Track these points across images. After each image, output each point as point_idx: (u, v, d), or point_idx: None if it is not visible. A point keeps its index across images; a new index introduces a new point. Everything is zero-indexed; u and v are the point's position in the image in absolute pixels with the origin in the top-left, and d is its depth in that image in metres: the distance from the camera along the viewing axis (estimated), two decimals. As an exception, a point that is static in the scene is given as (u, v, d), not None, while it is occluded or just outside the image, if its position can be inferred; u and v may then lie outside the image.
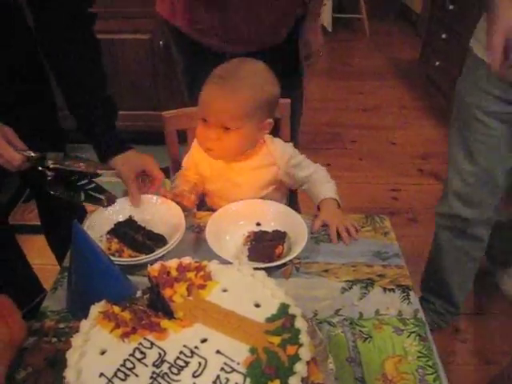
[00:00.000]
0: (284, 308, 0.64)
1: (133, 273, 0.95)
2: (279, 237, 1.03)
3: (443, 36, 3.24)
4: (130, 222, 1.07)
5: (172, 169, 1.47)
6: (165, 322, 0.63)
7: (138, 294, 0.75)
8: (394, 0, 5.50)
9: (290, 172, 1.19)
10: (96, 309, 0.66)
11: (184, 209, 1.11)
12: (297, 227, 1.05)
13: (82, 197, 1.03)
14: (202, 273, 0.70)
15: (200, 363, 0.58)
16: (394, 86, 3.72)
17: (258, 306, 0.65)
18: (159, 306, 0.67)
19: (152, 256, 0.96)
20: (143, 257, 0.96)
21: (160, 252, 0.97)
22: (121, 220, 1.08)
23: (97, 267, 0.84)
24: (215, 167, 1.19)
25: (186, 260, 0.73)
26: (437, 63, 3.34)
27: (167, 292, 0.67)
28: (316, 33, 1.56)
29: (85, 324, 0.65)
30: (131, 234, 1.02)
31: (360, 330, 0.87)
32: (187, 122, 1.38)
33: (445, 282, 1.59)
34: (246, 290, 0.68)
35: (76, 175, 1.00)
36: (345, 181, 2.43)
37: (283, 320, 0.62)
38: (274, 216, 1.11)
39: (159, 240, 1.02)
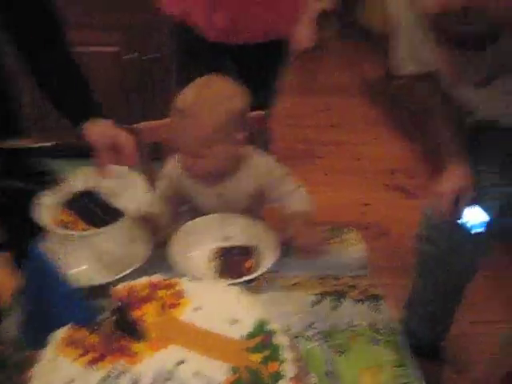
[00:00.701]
0: (261, 324, 0.62)
1: (97, 295, 0.89)
2: (247, 251, 1.01)
3: (408, 52, 3.34)
4: (90, 194, 0.98)
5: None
6: (136, 346, 0.59)
7: (105, 315, 0.70)
8: (359, 20, 5.72)
9: (265, 185, 1.16)
10: (58, 335, 0.61)
11: (153, 232, 1.06)
12: (266, 240, 1.04)
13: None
14: (172, 290, 0.66)
15: (177, 387, 0.54)
16: (361, 103, 3.79)
17: (234, 322, 0.63)
18: (127, 329, 0.63)
19: (116, 277, 0.90)
20: (107, 276, 0.90)
21: (125, 272, 0.91)
22: (80, 190, 0.99)
23: (55, 289, 0.78)
24: (196, 185, 1.16)
25: (156, 278, 0.69)
26: (401, 81, 3.43)
27: (136, 312, 0.63)
28: (303, 33, 1.58)
29: (46, 353, 0.59)
30: (89, 205, 0.95)
31: (335, 343, 0.85)
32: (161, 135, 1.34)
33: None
34: (221, 306, 0.65)
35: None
36: (313, 196, 2.45)
37: (262, 336, 0.60)
38: (242, 229, 1.08)
39: (117, 215, 0.94)
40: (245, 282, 0.94)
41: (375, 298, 0.96)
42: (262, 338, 0.59)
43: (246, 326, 0.62)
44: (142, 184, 1.02)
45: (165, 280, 0.69)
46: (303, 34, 1.56)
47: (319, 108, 3.68)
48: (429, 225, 1.42)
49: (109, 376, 0.56)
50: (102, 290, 0.89)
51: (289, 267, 1.03)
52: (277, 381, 0.54)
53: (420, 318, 1.53)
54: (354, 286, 0.99)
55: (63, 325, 0.66)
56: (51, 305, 0.77)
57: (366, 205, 2.57)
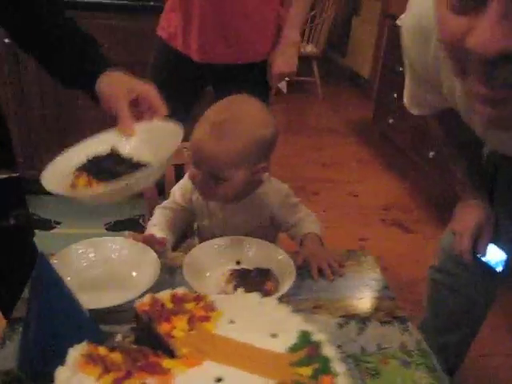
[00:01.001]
0: (305, 336, 0.56)
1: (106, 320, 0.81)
2: (263, 274, 0.95)
3: (394, 95, 3.46)
4: (112, 156, 0.84)
5: (148, 211, 1.37)
6: (168, 362, 0.52)
7: (118, 337, 0.63)
8: (344, 67, 5.94)
9: (281, 212, 1.14)
10: (76, 351, 0.54)
11: (156, 251, 1.00)
12: (281, 264, 0.98)
13: None
14: (202, 303, 0.60)
15: (219, 407, 0.47)
16: (350, 143, 3.90)
17: (274, 336, 0.56)
18: (155, 344, 0.56)
19: (122, 301, 0.82)
20: (115, 301, 0.82)
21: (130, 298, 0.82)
22: (97, 154, 0.84)
23: (66, 312, 0.70)
24: (209, 204, 1.13)
25: (180, 291, 0.63)
26: (390, 121, 3.54)
27: (164, 327, 0.56)
28: (280, 56, 1.52)
29: (62, 372, 0.52)
30: (112, 167, 0.80)
31: (366, 367, 0.79)
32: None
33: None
34: (256, 319, 0.59)
35: None
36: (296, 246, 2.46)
37: (308, 349, 0.53)
38: (256, 253, 1.02)
39: (141, 165, 0.80)
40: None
41: (402, 319, 0.91)
42: (308, 351, 0.53)
43: (289, 338, 0.55)
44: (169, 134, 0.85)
45: (191, 292, 0.62)
46: (281, 59, 1.52)
47: (310, 147, 3.74)
48: (446, 257, 1.38)
49: (137, 397, 0.49)
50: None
51: (307, 290, 0.97)
52: (334, 395, 0.48)
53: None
54: (378, 308, 0.93)
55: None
56: (60, 327, 0.69)
57: (364, 240, 2.55)
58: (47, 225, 2.53)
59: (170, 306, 0.59)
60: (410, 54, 0.98)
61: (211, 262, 0.98)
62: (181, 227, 1.18)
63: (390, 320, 0.90)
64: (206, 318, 0.57)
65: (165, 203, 1.19)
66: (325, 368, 0.50)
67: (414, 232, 2.65)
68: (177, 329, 0.56)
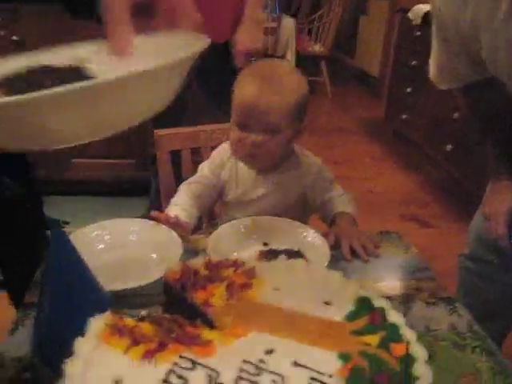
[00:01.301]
0: (364, 302, 0.48)
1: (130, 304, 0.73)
2: (293, 255, 0.87)
3: (408, 90, 3.38)
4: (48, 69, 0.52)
5: (164, 197, 1.30)
6: (208, 333, 0.44)
7: (143, 313, 0.55)
8: (353, 67, 5.90)
9: (315, 186, 1.09)
10: (99, 321, 0.46)
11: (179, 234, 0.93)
12: (313, 245, 0.90)
13: None
14: (241, 269, 0.52)
15: (275, 381, 0.39)
16: (362, 141, 3.82)
17: (328, 303, 0.48)
18: (192, 313, 0.48)
19: (147, 281, 0.74)
20: (138, 282, 0.74)
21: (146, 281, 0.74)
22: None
23: (84, 293, 0.63)
24: (240, 172, 1.09)
25: (214, 258, 0.55)
26: (403, 117, 3.46)
27: (199, 296, 0.48)
28: (243, 33, 1.53)
29: (83, 343, 0.44)
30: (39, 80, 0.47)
31: (416, 350, 0.71)
32: (180, 143, 1.29)
33: None
34: (305, 286, 0.51)
35: None
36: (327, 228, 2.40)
37: (370, 316, 0.46)
38: (285, 234, 0.95)
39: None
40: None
41: (448, 300, 0.82)
42: (370, 318, 0.45)
43: (345, 305, 0.47)
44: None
45: (227, 260, 0.55)
46: (245, 36, 1.52)
47: (321, 146, 3.66)
48: (478, 243, 1.30)
49: (173, 372, 0.41)
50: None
51: (346, 271, 0.88)
52: (411, 365, 0.40)
53: None
54: (421, 289, 0.85)
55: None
56: (76, 306, 0.62)
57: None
58: (55, 225, 2.47)
59: (204, 272, 0.52)
60: (445, 20, 0.93)
61: (237, 244, 0.90)
62: (205, 205, 1.10)
63: (435, 301, 0.82)
64: (248, 285, 0.50)
65: (190, 179, 1.13)
66: (394, 335, 0.43)
67: (432, 226, 2.56)
68: (215, 297, 0.48)
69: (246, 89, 0.97)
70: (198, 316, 0.47)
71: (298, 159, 1.10)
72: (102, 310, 0.64)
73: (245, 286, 0.50)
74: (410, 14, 3.32)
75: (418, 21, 3.22)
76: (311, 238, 0.92)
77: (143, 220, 0.93)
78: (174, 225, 0.92)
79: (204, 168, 1.13)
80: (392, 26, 4.43)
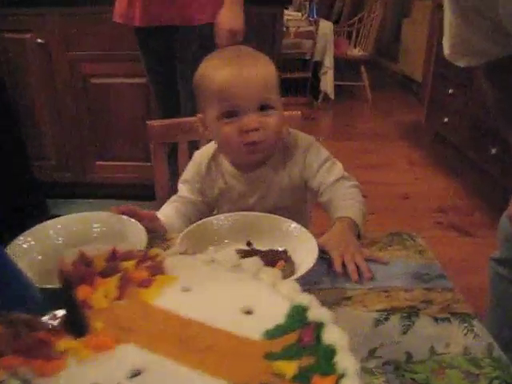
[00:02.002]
0: (298, 312, 0.33)
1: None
2: (276, 255, 0.73)
3: (450, 91, 3.17)
4: None
5: (158, 193, 1.21)
6: (64, 342, 0.32)
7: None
8: (396, 72, 5.71)
9: (306, 166, 0.94)
10: None
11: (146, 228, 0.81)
12: (303, 245, 0.75)
13: None
14: (148, 263, 0.39)
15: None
16: (401, 146, 3.63)
17: (248, 312, 0.34)
18: (70, 317, 0.35)
19: None
20: None
21: None
22: None
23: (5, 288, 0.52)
24: (229, 183, 0.97)
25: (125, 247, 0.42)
26: (445, 119, 3.25)
27: (82, 292, 0.36)
28: (224, 16, 1.57)
29: None
30: None
31: (412, 379, 0.55)
32: (177, 135, 1.19)
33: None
34: (226, 287, 0.37)
35: None
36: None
37: (298, 332, 0.31)
38: (272, 233, 0.81)
39: None
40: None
41: (464, 316, 0.66)
42: (298, 335, 0.31)
43: (271, 315, 0.33)
44: None
45: (138, 251, 0.42)
46: (228, 16, 1.57)
47: (358, 151, 3.50)
48: (508, 246, 1.14)
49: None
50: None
51: (335, 278, 0.74)
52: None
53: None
54: (431, 301, 0.69)
55: None
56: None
57: (418, 244, 2.26)
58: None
59: (100, 264, 0.39)
60: None
61: (213, 242, 0.77)
62: (191, 220, 0.96)
63: (447, 317, 0.65)
64: (147, 283, 0.37)
65: (174, 197, 1.00)
66: (323, 364, 0.28)
67: (474, 236, 2.33)
68: (98, 295, 0.35)
69: (223, 71, 0.84)
70: (76, 319, 0.35)
71: (288, 145, 0.96)
72: (28, 308, 0.53)
73: (143, 283, 0.36)
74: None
75: (461, 16, 2.99)
76: (302, 238, 0.77)
77: (108, 214, 0.82)
78: (136, 215, 0.81)
79: (182, 188, 1.00)
80: (434, 26, 4.20)
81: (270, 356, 0.29)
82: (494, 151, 2.59)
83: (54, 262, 0.58)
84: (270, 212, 0.92)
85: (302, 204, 1.01)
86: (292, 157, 0.95)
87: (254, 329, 0.32)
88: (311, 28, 4.56)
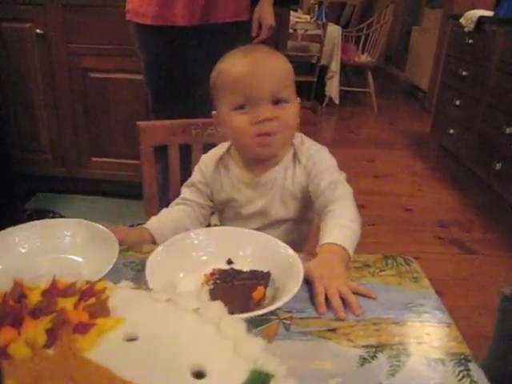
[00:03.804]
0: (259, 381, 0.28)
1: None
2: (260, 276, 0.67)
3: (457, 103, 3.12)
4: None
5: (145, 197, 1.16)
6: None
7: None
8: (403, 80, 5.65)
9: (309, 173, 0.91)
10: None
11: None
12: (288, 268, 0.69)
13: None
14: (91, 300, 0.33)
15: None
16: (405, 155, 3.57)
17: (200, 375, 0.28)
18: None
19: None
20: None
21: None
22: None
23: None
24: (236, 185, 0.95)
25: (76, 279, 0.36)
26: (451, 131, 3.20)
27: (4, 334, 0.30)
28: (266, 12, 1.67)
29: None
30: None
31: (399, 433, 0.49)
32: (167, 137, 1.14)
33: None
34: (179, 337, 0.32)
35: None
36: (358, 247, 2.18)
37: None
38: (254, 251, 0.75)
39: None
40: (252, 320, 0.60)
41: (460, 358, 0.59)
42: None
43: (227, 380, 0.27)
44: None
45: (86, 283, 0.36)
46: (268, 13, 1.67)
47: (361, 159, 3.45)
48: None
49: None
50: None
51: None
52: None
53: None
54: (423, 339, 0.62)
55: None
56: None
57: (416, 259, 2.19)
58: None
59: (35, 299, 0.33)
60: None
61: (188, 260, 0.71)
62: (199, 221, 0.96)
63: (441, 358, 0.59)
64: (84, 328, 0.31)
65: (176, 201, 0.98)
66: None
67: (474, 253, 2.26)
68: (20, 341, 0.29)
69: (239, 64, 0.85)
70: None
71: (296, 150, 0.94)
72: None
73: (80, 328, 0.31)
74: (462, 20, 3.05)
75: (471, 27, 2.94)
76: (285, 257, 0.71)
77: (80, 222, 0.76)
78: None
79: (188, 191, 0.98)
80: (444, 36, 4.15)
81: None
82: (498, 166, 2.53)
83: (14, 272, 0.53)
84: (275, 221, 0.91)
85: (309, 212, 0.97)
86: (300, 161, 0.92)
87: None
88: (319, 31, 4.50)
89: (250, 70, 0.83)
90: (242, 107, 0.84)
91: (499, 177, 2.55)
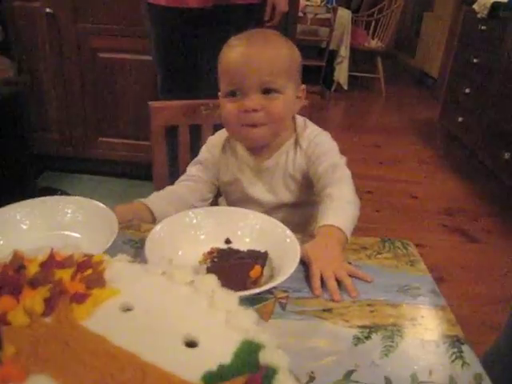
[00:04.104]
0: (250, 351, 0.29)
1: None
2: (257, 256, 0.68)
3: (466, 90, 3.09)
4: None
5: (155, 177, 1.17)
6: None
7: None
8: (413, 67, 5.58)
9: (310, 156, 0.92)
10: None
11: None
12: (285, 248, 0.70)
13: None
14: (88, 272, 0.34)
15: None
16: (413, 142, 3.55)
17: (192, 344, 0.30)
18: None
19: None
20: None
21: None
22: None
23: None
24: (241, 167, 0.96)
25: (71, 251, 0.37)
26: (459, 119, 3.17)
27: (3, 303, 0.31)
28: None
29: None
30: None
31: (389, 410, 0.50)
32: (178, 117, 1.15)
33: None
34: (172, 308, 0.33)
35: None
36: (361, 232, 2.18)
37: (246, 378, 0.26)
38: (252, 231, 0.76)
39: None
40: (248, 299, 0.61)
41: (455, 340, 0.60)
42: (246, 381, 0.26)
43: (217, 352, 0.28)
44: None
45: (84, 256, 0.37)
46: (279, 0, 1.64)
47: (368, 145, 3.43)
48: None
49: None
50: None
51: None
52: None
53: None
54: (418, 321, 0.63)
55: None
56: None
57: (420, 246, 2.20)
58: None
59: (34, 270, 0.34)
60: None
61: (187, 238, 0.72)
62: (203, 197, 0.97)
63: (434, 339, 0.60)
64: (80, 298, 0.32)
65: (181, 177, 1.00)
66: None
67: (479, 242, 2.26)
68: (19, 309, 0.31)
69: (234, 50, 0.86)
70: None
71: (298, 135, 0.94)
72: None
73: (77, 298, 0.32)
74: (475, 6, 3.00)
75: (484, 13, 2.89)
76: (283, 238, 0.72)
77: (80, 199, 0.77)
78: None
79: (193, 169, 0.99)
80: (456, 23, 4.08)
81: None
82: (507, 156, 2.51)
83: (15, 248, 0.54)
84: (280, 204, 0.94)
85: (312, 195, 0.97)
86: (301, 146, 0.93)
87: (193, 368, 0.27)
88: (329, 15, 4.44)
89: (240, 58, 0.84)
90: (233, 94, 0.85)
91: (507, 166, 2.54)
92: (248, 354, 0.28)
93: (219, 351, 0.28)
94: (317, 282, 0.66)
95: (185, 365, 0.27)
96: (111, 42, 2.28)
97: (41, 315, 0.31)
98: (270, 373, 0.26)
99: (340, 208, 0.77)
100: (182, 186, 0.96)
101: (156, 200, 0.88)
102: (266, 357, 0.27)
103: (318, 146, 0.91)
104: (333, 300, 0.65)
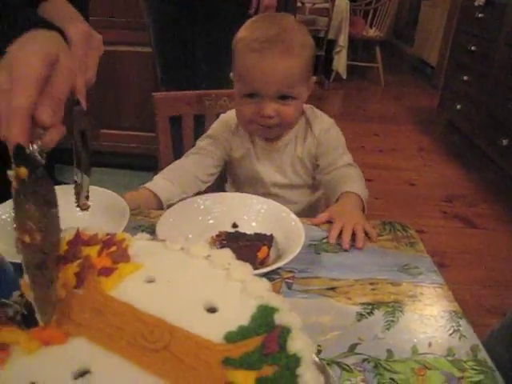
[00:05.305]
0: (265, 314, 0.32)
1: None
2: (263, 239, 0.71)
3: (465, 78, 3.10)
4: None
5: (161, 167, 1.20)
6: (11, 332, 0.30)
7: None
8: (411, 56, 5.57)
9: (321, 144, 0.98)
10: None
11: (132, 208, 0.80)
12: (290, 230, 0.73)
13: None
14: (113, 248, 0.37)
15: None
16: (412, 131, 3.57)
17: (212, 310, 0.33)
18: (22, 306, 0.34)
19: None
20: None
21: None
22: None
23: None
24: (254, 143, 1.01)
25: (94, 230, 0.40)
26: (458, 107, 3.19)
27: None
28: None
29: None
30: None
31: (391, 378, 0.53)
32: (182, 107, 1.18)
33: None
34: (192, 280, 0.36)
35: None
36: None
37: (264, 337, 0.29)
38: (258, 215, 0.79)
39: None
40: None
41: (452, 314, 0.64)
42: (262, 340, 0.29)
43: (236, 316, 0.31)
44: None
45: (107, 235, 0.40)
46: None
47: (367, 134, 3.45)
48: None
49: None
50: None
51: (321, 266, 0.72)
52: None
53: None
54: (417, 297, 0.67)
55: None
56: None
57: (420, 232, 2.23)
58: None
59: (62, 248, 0.37)
60: None
61: (196, 223, 0.75)
62: (196, 183, 0.98)
63: (433, 314, 0.64)
64: (108, 272, 0.35)
65: (190, 150, 1.03)
66: (285, 376, 0.26)
67: (477, 227, 2.29)
68: (57, 283, 0.33)
69: (253, 56, 0.87)
70: (30, 309, 0.33)
71: (308, 121, 1.00)
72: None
73: (104, 271, 0.35)
74: (473, -7, 3.00)
75: (482, 0, 2.89)
76: (288, 221, 0.75)
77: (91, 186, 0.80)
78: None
79: (202, 143, 1.03)
80: (454, 10, 4.08)
81: (228, 362, 0.27)
82: (505, 143, 2.54)
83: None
84: (288, 186, 1.00)
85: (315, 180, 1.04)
86: (313, 130, 0.99)
87: (215, 329, 0.30)
88: (327, 5, 4.44)
89: (259, 65, 0.86)
90: (251, 96, 0.90)
91: (506, 153, 2.56)
92: (264, 316, 0.31)
93: (237, 315, 0.31)
94: (335, 233, 0.77)
95: (207, 327, 0.30)
96: (110, 34, 2.28)
97: (73, 288, 0.34)
98: (284, 332, 0.29)
99: (357, 183, 0.90)
100: (189, 159, 0.99)
101: (161, 183, 0.90)
102: (280, 318, 0.30)
103: (331, 140, 0.97)
104: (343, 246, 0.76)
